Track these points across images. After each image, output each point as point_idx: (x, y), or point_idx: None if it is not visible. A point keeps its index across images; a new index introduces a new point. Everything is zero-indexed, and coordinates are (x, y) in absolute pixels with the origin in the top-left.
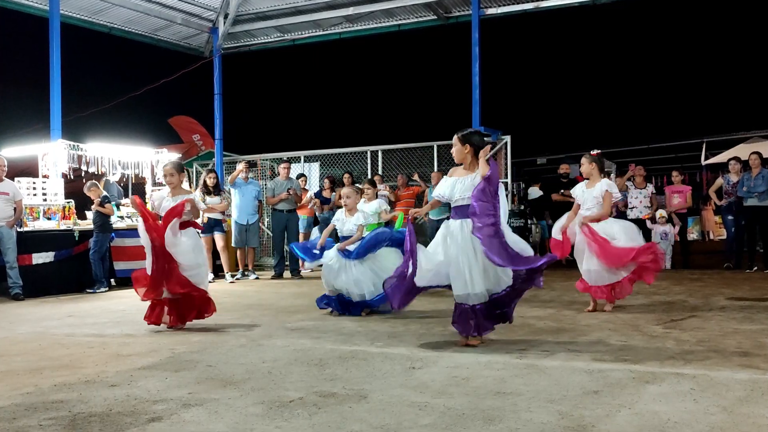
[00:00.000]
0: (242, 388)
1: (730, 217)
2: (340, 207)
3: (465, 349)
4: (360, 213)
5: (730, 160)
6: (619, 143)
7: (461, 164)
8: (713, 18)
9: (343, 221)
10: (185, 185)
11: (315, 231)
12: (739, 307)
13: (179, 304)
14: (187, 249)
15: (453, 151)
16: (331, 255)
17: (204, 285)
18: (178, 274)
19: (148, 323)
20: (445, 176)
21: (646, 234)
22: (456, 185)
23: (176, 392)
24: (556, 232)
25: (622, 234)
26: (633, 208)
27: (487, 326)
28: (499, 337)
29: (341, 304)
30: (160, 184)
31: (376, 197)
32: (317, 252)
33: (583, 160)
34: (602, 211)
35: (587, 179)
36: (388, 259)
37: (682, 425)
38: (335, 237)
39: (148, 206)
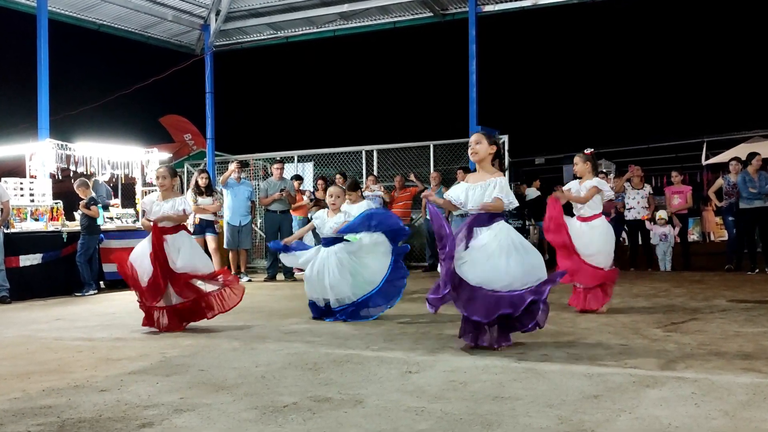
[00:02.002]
0: (235, 393)
1: (731, 218)
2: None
3: (462, 352)
4: (342, 213)
5: (731, 160)
6: (618, 143)
7: (475, 166)
8: (713, 17)
9: (324, 220)
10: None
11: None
12: (740, 310)
13: (180, 311)
14: (186, 254)
15: (477, 148)
16: (307, 257)
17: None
18: (183, 278)
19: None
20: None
21: (645, 235)
22: (468, 192)
23: (167, 397)
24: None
25: (600, 247)
26: (631, 209)
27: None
28: None
29: (317, 310)
30: (150, 184)
31: (363, 198)
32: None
33: (577, 159)
34: (581, 197)
35: (580, 178)
36: (372, 261)
37: (683, 430)
38: (318, 240)
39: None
